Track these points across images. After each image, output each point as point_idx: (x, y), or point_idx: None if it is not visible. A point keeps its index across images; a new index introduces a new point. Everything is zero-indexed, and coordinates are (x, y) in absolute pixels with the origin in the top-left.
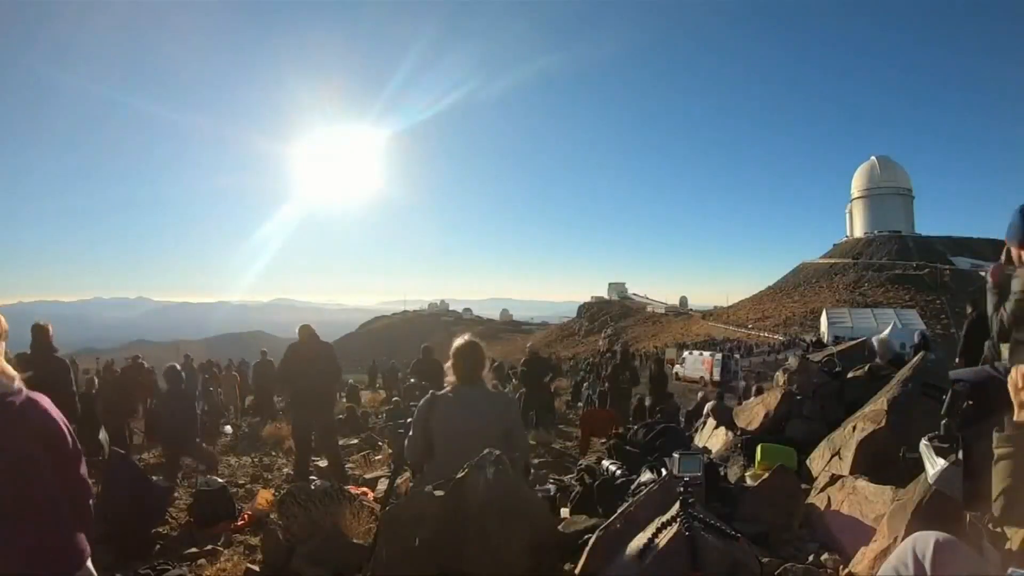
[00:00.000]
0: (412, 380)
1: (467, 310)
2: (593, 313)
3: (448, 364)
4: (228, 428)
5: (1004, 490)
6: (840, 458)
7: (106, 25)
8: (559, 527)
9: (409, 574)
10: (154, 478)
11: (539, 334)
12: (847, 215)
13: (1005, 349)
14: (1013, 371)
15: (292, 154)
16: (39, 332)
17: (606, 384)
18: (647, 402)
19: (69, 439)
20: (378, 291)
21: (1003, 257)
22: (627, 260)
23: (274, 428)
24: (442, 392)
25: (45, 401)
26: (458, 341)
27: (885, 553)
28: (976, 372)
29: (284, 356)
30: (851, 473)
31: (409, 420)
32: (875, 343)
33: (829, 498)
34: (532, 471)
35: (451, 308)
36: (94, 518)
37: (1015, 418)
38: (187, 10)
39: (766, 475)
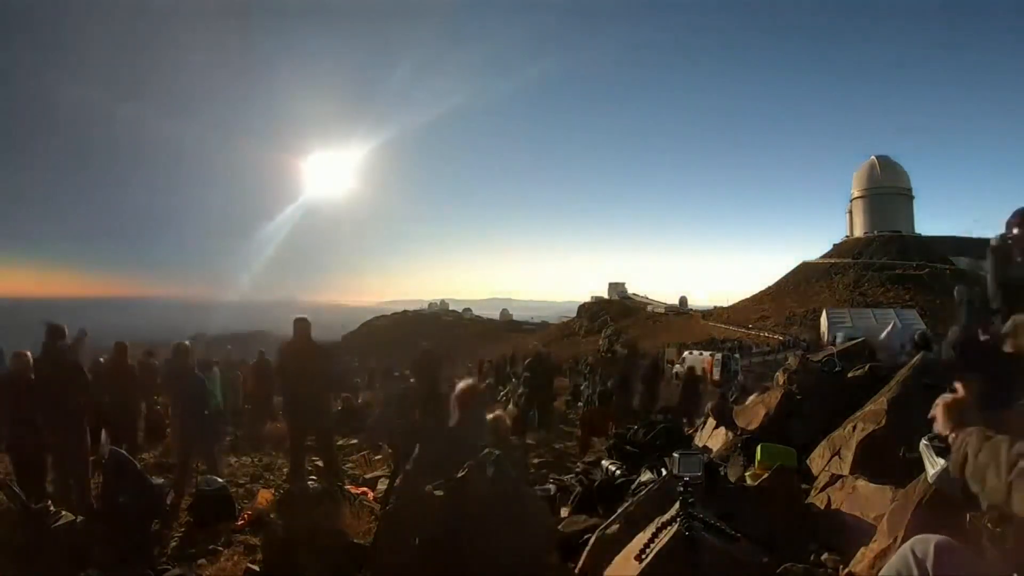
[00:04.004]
0: (412, 380)
1: (467, 310)
2: (593, 313)
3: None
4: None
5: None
6: (840, 458)
7: (108, 40)
8: (559, 527)
9: (409, 574)
10: (154, 478)
11: (539, 334)
12: (847, 215)
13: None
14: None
15: (292, 155)
16: (55, 333)
17: (608, 384)
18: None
19: None
20: (378, 291)
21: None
22: (627, 260)
23: (274, 428)
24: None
25: None
26: (461, 384)
27: (885, 553)
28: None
29: (278, 358)
30: (851, 473)
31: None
32: (884, 337)
33: (829, 498)
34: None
35: (451, 308)
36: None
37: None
38: (184, 20)
39: (766, 475)
